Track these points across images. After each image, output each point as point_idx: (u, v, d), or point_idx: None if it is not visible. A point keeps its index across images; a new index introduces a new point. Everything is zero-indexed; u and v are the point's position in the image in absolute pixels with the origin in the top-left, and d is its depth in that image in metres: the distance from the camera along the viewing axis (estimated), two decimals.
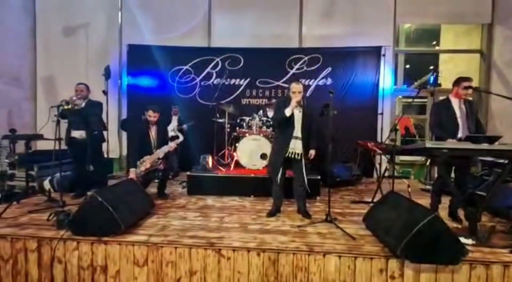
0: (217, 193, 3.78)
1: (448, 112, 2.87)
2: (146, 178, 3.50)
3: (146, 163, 3.41)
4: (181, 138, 3.68)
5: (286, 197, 3.14)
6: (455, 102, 2.89)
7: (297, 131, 2.85)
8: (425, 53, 6.80)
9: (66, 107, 3.15)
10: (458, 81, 2.89)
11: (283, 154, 2.86)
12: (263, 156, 4.07)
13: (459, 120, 2.84)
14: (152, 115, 3.43)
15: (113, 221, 2.32)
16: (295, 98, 2.75)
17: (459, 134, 2.81)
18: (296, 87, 2.78)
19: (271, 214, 2.99)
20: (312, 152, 2.99)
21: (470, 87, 2.79)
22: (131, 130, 3.32)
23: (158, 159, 3.46)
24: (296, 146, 2.86)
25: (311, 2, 5.51)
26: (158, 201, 3.43)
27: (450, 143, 2.52)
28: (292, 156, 2.87)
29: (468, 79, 2.84)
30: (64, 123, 3.40)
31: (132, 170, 3.36)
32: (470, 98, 3.04)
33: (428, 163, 4.90)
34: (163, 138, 3.58)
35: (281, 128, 2.92)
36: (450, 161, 2.75)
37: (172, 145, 3.56)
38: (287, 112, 2.75)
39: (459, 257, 2.02)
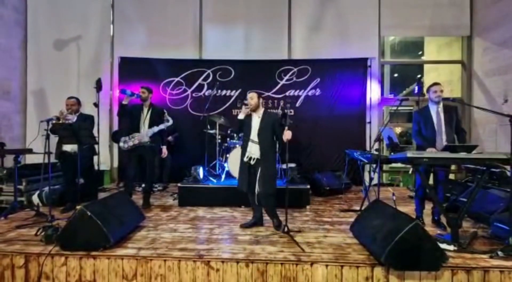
0: (208, 204, 3.81)
1: (426, 119, 2.96)
2: (134, 151, 3.65)
3: (135, 139, 3.61)
4: (170, 121, 3.77)
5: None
6: (432, 109, 2.96)
7: (254, 135, 2.90)
8: (409, 64, 7.06)
9: (56, 121, 3.18)
10: (427, 88, 3.00)
11: (246, 160, 2.90)
12: None
13: (436, 127, 2.91)
14: (140, 91, 3.72)
15: (102, 235, 2.33)
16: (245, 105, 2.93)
17: (437, 142, 2.87)
18: (248, 95, 2.99)
19: (247, 225, 2.97)
20: (287, 132, 2.76)
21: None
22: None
23: (147, 136, 3.64)
24: (252, 150, 2.88)
25: (300, 15, 5.70)
26: (149, 213, 3.44)
27: (429, 153, 2.63)
28: (249, 160, 2.89)
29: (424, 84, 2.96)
30: (54, 137, 3.41)
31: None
32: (455, 104, 3.11)
33: (410, 171, 5.01)
34: (156, 120, 3.72)
35: (243, 136, 3.02)
36: (429, 168, 2.86)
37: (161, 127, 3.71)
38: (240, 116, 2.99)
39: (439, 263, 2.10)
